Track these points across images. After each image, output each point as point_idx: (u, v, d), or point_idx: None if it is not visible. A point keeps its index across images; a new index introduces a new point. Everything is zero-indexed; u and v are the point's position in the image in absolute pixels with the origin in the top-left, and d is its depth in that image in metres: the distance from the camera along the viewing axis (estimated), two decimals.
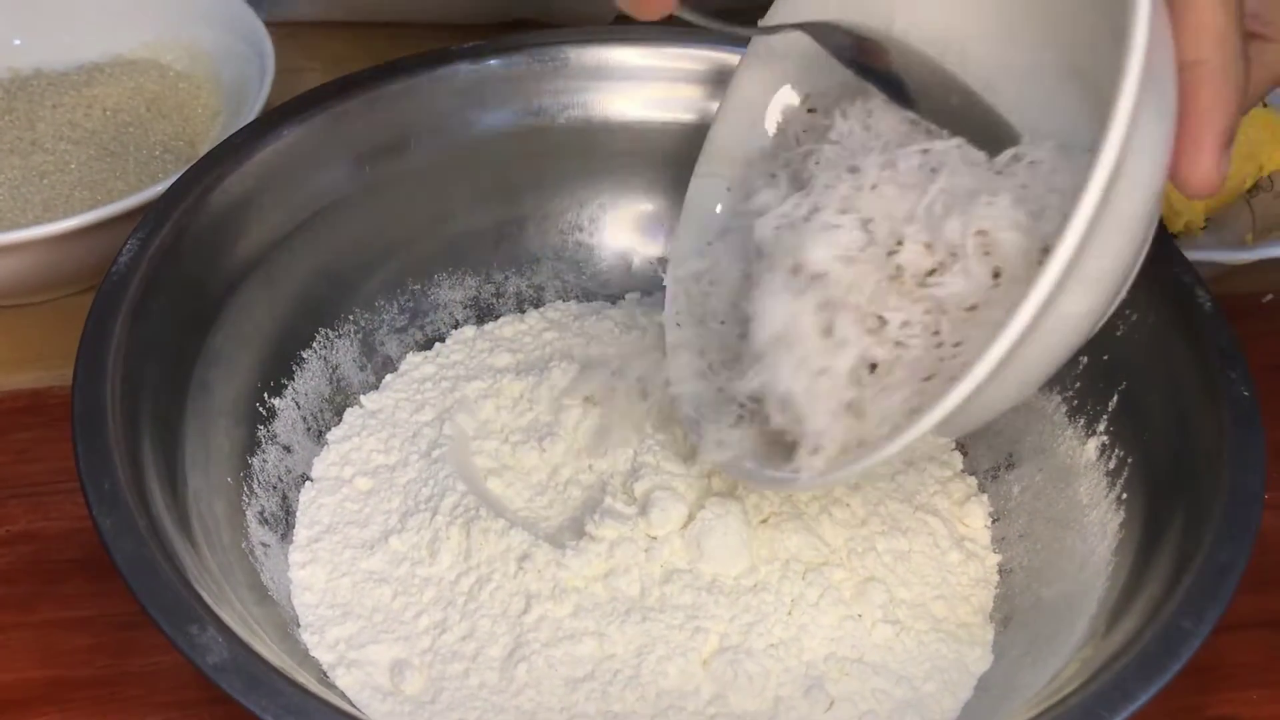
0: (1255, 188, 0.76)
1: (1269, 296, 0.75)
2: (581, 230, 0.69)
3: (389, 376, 0.65)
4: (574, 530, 0.56)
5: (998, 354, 0.39)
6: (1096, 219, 0.38)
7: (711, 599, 0.54)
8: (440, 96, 0.64)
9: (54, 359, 0.68)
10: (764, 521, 0.56)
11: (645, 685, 0.51)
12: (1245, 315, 0.68)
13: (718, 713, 0.51)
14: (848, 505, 0.58)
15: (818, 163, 0.50)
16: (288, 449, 0.60)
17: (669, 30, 0.67)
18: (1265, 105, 0.76)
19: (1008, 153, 0.47)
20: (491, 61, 0.65)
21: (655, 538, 0.55)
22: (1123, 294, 0.46)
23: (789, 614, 0.54)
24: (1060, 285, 0.39)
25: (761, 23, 0.55)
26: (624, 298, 0.69)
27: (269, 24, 0.78)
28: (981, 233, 0.45)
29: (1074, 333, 0.43)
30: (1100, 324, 0.46)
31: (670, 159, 0.67)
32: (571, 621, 0.53)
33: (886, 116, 0.51)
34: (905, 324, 0.46)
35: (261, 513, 0.57)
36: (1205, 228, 0.75)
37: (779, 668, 0.53)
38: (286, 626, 0.53)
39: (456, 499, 0.57)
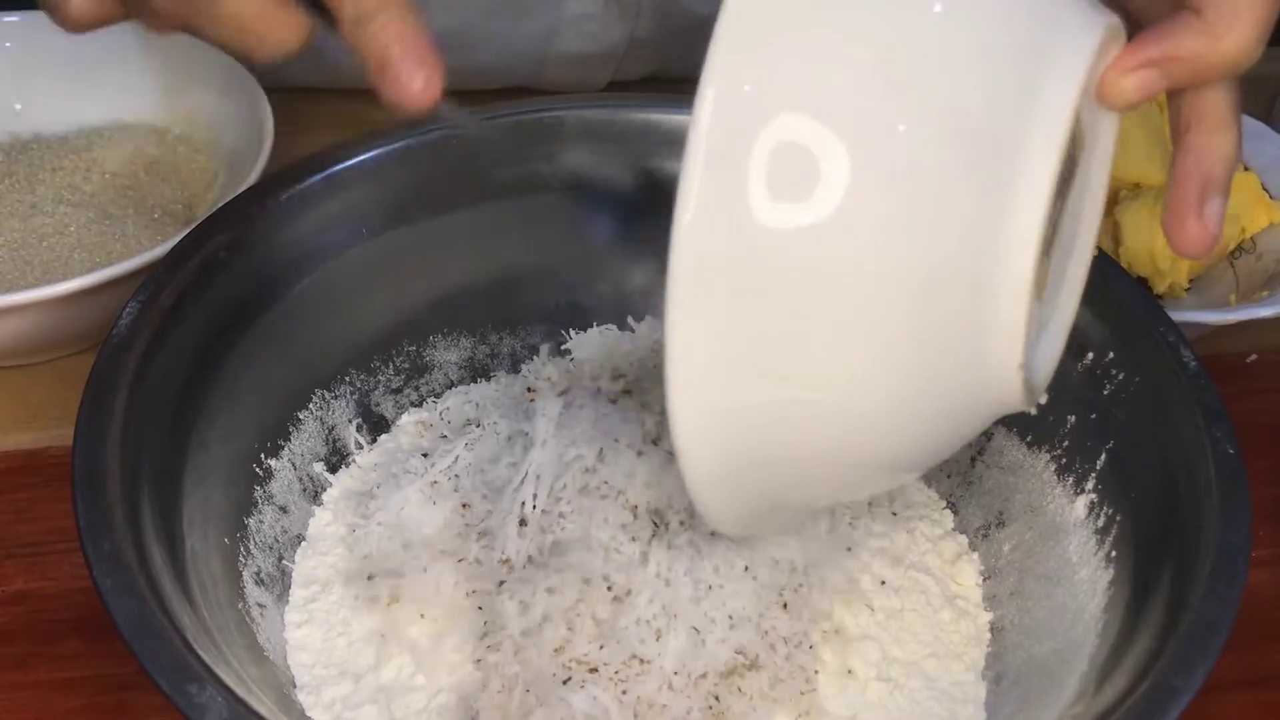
0: (1238, 250, 0.77)
1: (1253, 356, 0.76)
2: (575, 291, 0.70)
3: (384, 436, 0.66)
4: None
5: None
6: None
7: None
8: (435, 161, 0.65)
9: (50, 419, 0.69)
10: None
11: None
12: (1230, 375, 0.69)
13: None
14: (841, 565, 0.58)
15: None
16: (284, 509, 0.60)
17: (662, 96, 0.68)
18: (1246, 169, 0.77)
19: None
20: (484, 127, 0.66)
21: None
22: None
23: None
24: None
25: None
26: None
27: (267, 89, 0.79)
28: None
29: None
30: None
31: (660, 219, 0.68)
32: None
33: None
34: None
35: (258, 573, 0.57)
36: (1189, 289, 0.76)
37: None
38: (283, 687, 0.53)
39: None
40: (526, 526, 0.55)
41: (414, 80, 0.45)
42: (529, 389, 0.63)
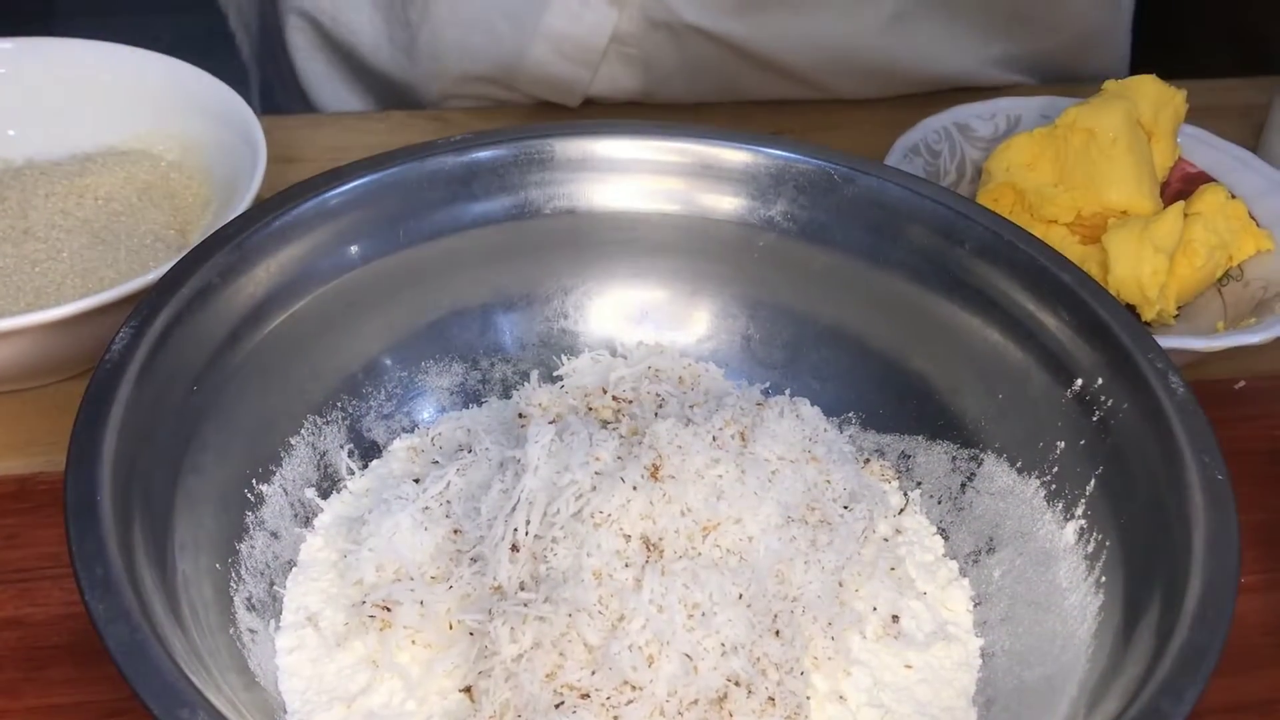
0: (1225, 277, 0.78)
1: (1241, 383, 0.77)
2: (566, 318, 0.70)
3: (375, 462, 0.66)
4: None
5: None
6: None
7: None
8: (428, 188, 0.66)
9: (40, 445, 0.69)
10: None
11: None
12: (1218, 401, 0.69)
13: None
14: (833, 592, 0.58)
15: None
16: (275, 535, 0.60)
17: (653, 124, 0.69)
18: (1233, 197, 0.78)
19: None
20: (478, 154, 0.66)
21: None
22: None
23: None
24: None
25: None
26: None
27: (260, 115, 0.80)
28: None
29: None
30: None
31: (654, 248, 0.69)
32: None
33: None
34: None
35: (249, 599, 0.57)
36: (1178, 316, 0.77)
37: None
38: (274, 713, 0.53)
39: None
40: (518, 552, 0.55)
41: None
42: (520, 415, 0.63)
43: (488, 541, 0.56)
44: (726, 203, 0.68)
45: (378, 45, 1.00)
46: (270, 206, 0.62)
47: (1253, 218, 0.79)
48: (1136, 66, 1.01)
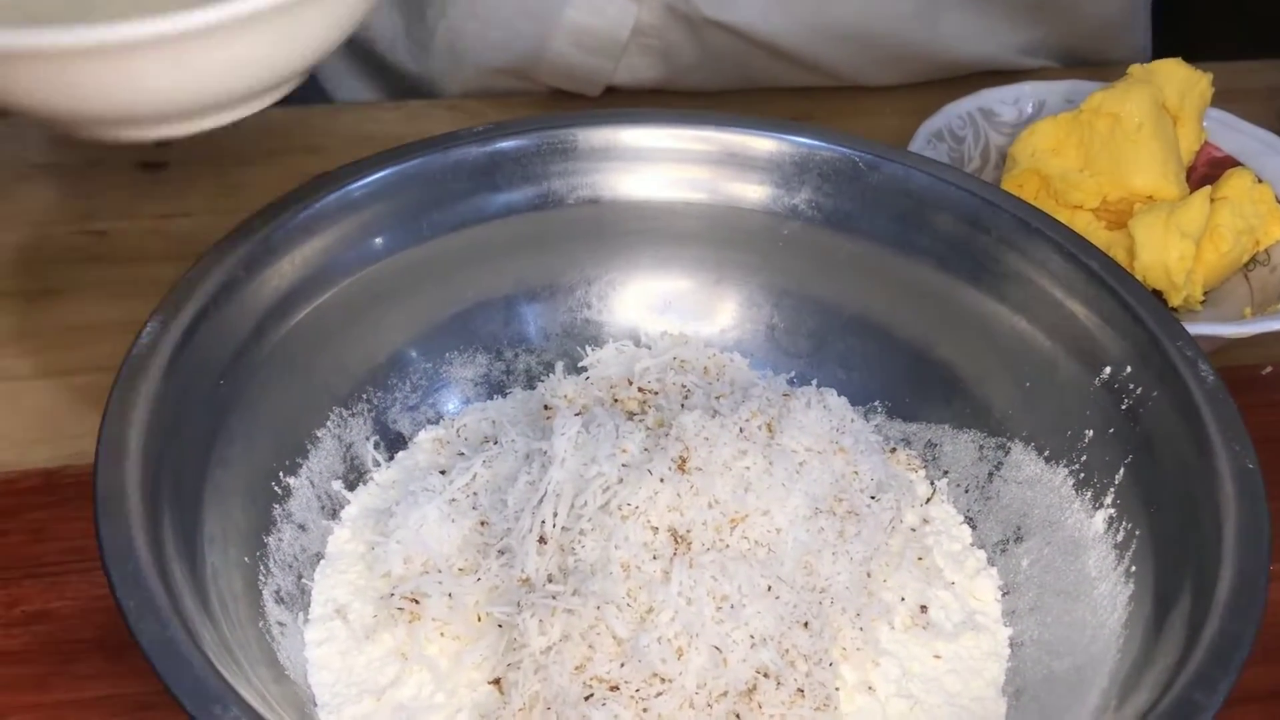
0: (1252, 262, 0.77)
1: (1269, 369, 0.76)
2: (590, 308, 0.70)
3: (401, 454, 0.66)
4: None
5: None
6: None
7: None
8: (451, 179, 0.66)
9: (65, 438, 0.69)
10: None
11: None
12: (1245, 388, 0.69)
13: None
14: (861, 582, 0.58)
15: None
16: (302, 527, 0.60)
17: (675, 112, 0.69)
18: (1259, 181, 0.77)
19: None
20: (501, 144, 0.66)
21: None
22: None
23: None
24: None
25: None
26: None
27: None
28: None
29: None
30: None
31: (678, 238, 0.69)
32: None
33: None
34: None
35: (278, 592, 0.57)
36: (1204, 302, 0.76)
37: None
38: (304, 706, 0.53)
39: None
40: (546, 545, 0.55)
41: None
42: (546, 406, 0.63)
43: (515, 534, 0.56)
44: (751, 191, 0.68)
45: (394, 40, 0.99)
46: (294, 199, 0.62)
47: None
48: (1159, 50, 1.01)
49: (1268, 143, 0.82)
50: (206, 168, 0.87)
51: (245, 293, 0.59)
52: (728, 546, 0.54)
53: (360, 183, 0.64)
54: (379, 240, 0.64)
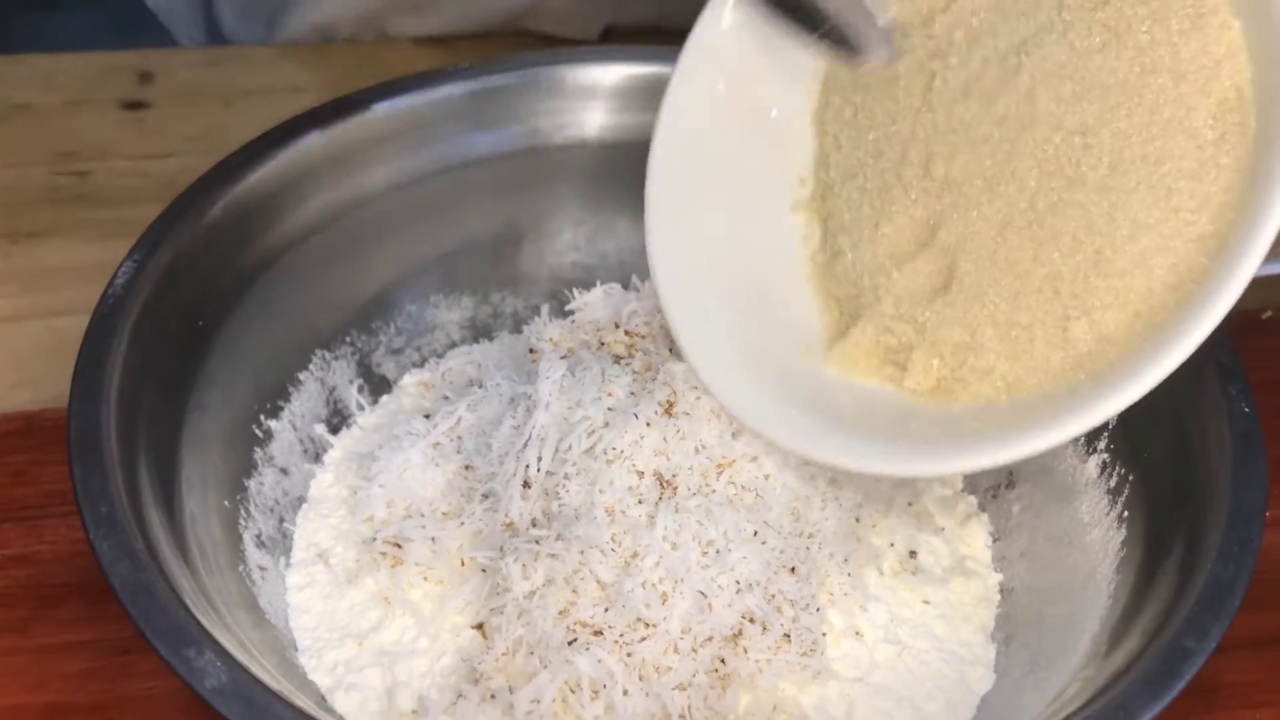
0: None
1: (1269, 313, 0.75)
2: (578, 250, 0.69)
3: (385, 397, 0.65)
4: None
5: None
6: None
7: None
8: (436, 117, 0.64)
9: (47, 381, 0.68)
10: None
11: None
12: (1245, 332, 0.68)
13: None
14: (850, 528, 0.57)
15: None
16: (284, 471, 0.59)
17: (666, 49, 0.67)
18: None
19: None
20: (488, 82, 0.65)
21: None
22: None
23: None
24: None
25: None
26: None
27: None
28: None
29: None
30: None
31: None
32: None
33: None
34: None
35: (259, 536, 0.56)
36: None
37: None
38: (284, 650, 0.53)
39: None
40: (530, 489, 0.54)
41: None
42: (531, 350, 0.62)
43: (499, 478, 0.55)
44: None
45: None
46: (275, 138, 0.61)
47: None
48: None
49: None
50: (189, 108, 0.85)
51: (224, 233, 0.58)
52: (714, 491, 0.54)
53: (343, 122, 0.62)
54: (362, 180, 0.63)
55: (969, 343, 0.49)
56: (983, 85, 0.49)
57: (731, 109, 0.56)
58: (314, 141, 0.61)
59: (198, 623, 0.44)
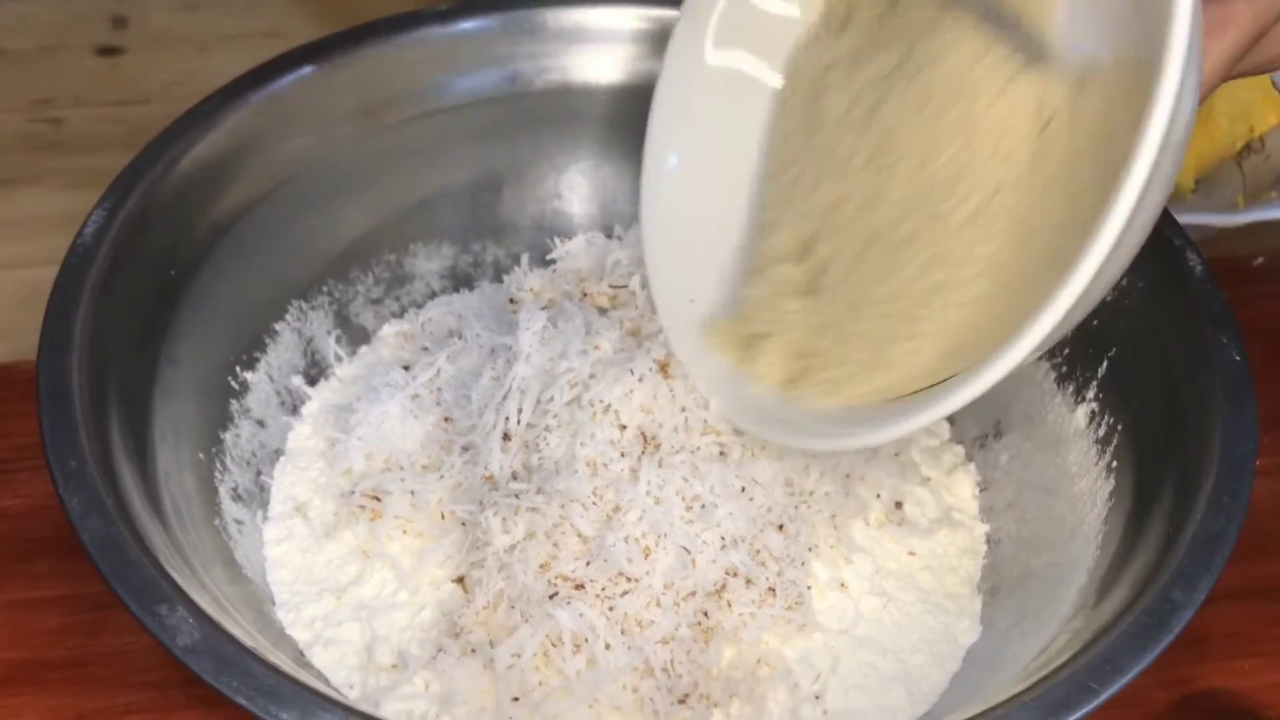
0: (1246, 149, 0.75)
1: (1260, 259, 0.74)
2: (560, 198, 0.67)
3: (363, 348, 0.64)
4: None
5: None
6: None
7: None
8: (413, 62, 0.63)
9: (20, 332, 0.66)
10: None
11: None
12: (1236, 279, 0.67)
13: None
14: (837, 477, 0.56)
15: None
16: (261, 423, 0.58)
17: None
18: None
19: None
20: (465, 25, 0.64)
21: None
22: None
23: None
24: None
25: None
26: None
27: None
28: None
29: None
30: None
31: None
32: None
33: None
34: None
35: (235, 489, 0.55)
36: (1195, 190, 0.74)
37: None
38: (261, 605, 0.52)
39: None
40: (510, 442, 0.53)
41: None
42: (511, 300, 0.61)
43: (479, 430, 0.54)
44: None
45: None
46: (247, 82, 0.59)
47: (1275, 87, 0.75)
48: None
49: None
50: (164, 53, 0.84)
51: (197, 180, 0.57)
52: (699, 449, 0.53)
53: (317, 65, 0.61)
54: (338, 126, 0.62)
55: (811, 344, 0.50)
56: (857, 114, 0.50)
57: (725, 79, 0.56)
58: (289, 87, 0.60)
59: (170, 579, 0.43)
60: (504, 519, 0.51)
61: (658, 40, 0.65)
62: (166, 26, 0.86)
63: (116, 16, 0.86)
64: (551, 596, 0.50)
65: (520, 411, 0.54)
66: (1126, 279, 0.55)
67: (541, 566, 0.51)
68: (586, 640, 0.49)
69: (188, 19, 0.86)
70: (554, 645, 0.49)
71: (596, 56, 0.65)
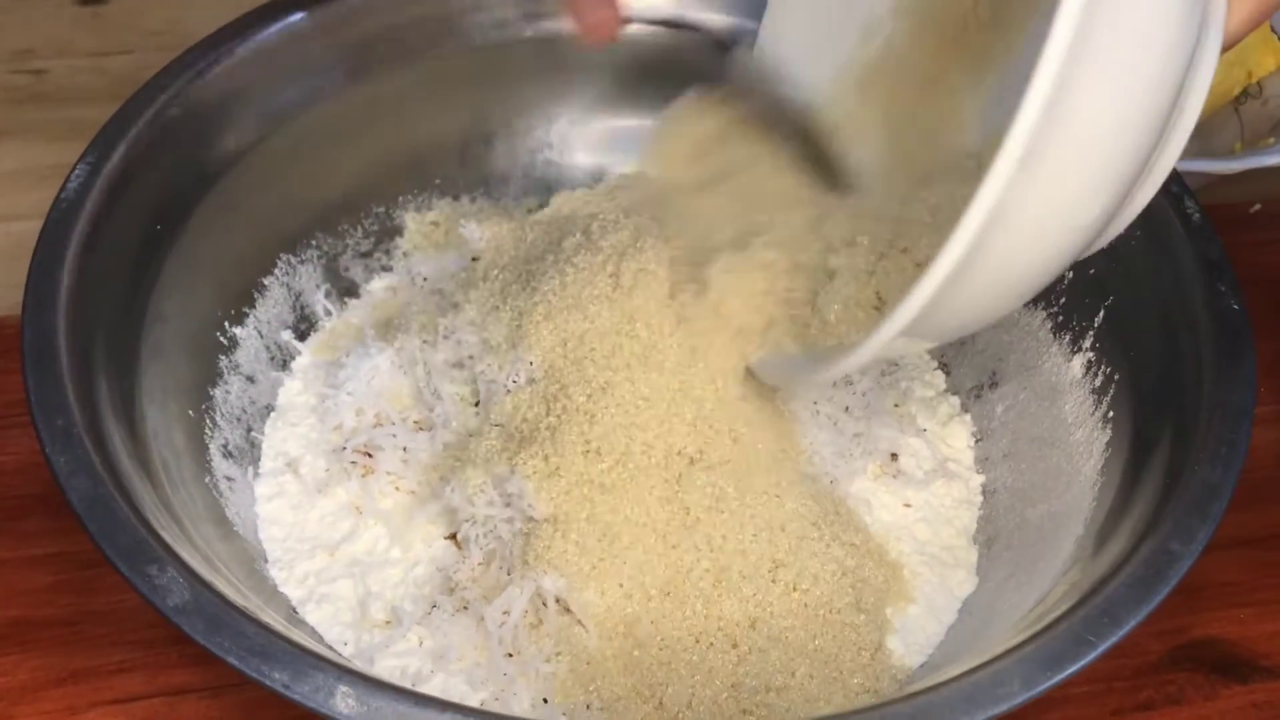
0: (1244, 95, 0.74)
1: (1257, 206, 0.74)
2: (551, 148, 0.67)
3: (353, 301, 0.63)
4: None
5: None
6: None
7: None
8: (402, 9, 0.62)
9: (5, 287, 0.65)
10: None
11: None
12: (1233, 226, 0.66)
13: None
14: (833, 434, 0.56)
15: None
16: (251, 379, 0.58)
17: None
18: None
19: None
20: None
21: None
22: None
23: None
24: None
25: None
26: None
27: None
28: None
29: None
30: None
31: (644, 72, 0.65)
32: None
33: None
34: None
35: (225, 446, 0.55)
36: (1192, 136, 0.73)
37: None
38: (253, 562, 0.51)
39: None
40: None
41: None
42: (474, 259, 0.60)
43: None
44: (717, 20, 0.64)
45: None
46: (232, 32, 0.58)
47: (1274, 31, 0.74)
48: None
49: None
50: (147, 2, 0.82)
51: (182, 132, 0.55)
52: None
53: (303, 14, 0.60)
54: (326, 75, 0.61)
55: None
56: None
57: None
58: (273, 36, 0.59)
59: (159, 538, 0.43)
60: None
61: None
62: None
63: None
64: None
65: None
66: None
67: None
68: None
69: None
70: (544, 605, 0.49)
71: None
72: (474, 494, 0.50)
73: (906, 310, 0.38)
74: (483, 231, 0.61)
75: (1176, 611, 0.56)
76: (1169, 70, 0.38)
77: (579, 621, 0.49)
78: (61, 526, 0.56)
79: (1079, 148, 0.37)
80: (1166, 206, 0.53)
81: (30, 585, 0.55)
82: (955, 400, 0.61)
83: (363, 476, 0.55)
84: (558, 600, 0.49)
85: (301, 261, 0.61)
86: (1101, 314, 0.55)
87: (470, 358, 0.55)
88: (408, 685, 0.43)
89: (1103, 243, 0.45)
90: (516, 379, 0.52)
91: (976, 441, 0.59)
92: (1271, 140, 0.70)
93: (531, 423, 0.51)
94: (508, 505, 0.50)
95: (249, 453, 0.56)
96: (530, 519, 0.50)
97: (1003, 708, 0.40)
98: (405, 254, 0.64)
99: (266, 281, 0.60)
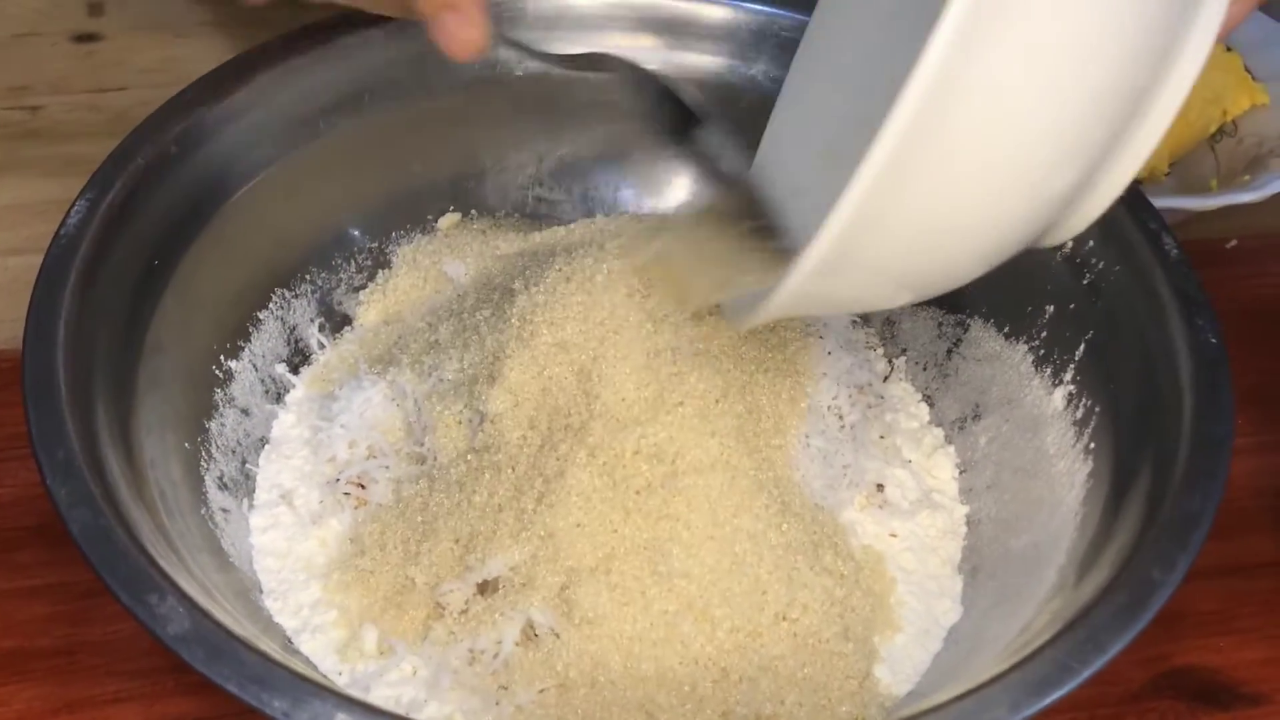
0: (1219, 133, 0.76)
1: (1233, 241, 0.75)
2: (542, 185, 0.68)
3: (347, 333, 0.64)
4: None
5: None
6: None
7: None
8: (394, 48, 0.63)
9: (6, 321, 0.66)
10: None
11: None
12: (1210, 261, 0.68)
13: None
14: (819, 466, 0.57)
15: None
16: (246, 412, 0.59)
17: None
18: (1228, 49, 0.76)
19: None
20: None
21: None
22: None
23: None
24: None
25: None
26: None
27: None
28: None
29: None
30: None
31: (632, 111, 0.66)
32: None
33: None
34: None
35: (221, 478, 0.56)
36: (1169, 173, 0.75)
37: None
38: (249, 593, 0.52)
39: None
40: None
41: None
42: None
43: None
44: (707, 61, 0.65)
45: None
46: (229, 72, 0.59)
47: (1248, 71, 0.76)
48: None
49: None
50: (142, 40, 0.83)
51: (179, 169, 0.56)
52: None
53: (300, 54, 0.61)
54: (319, 114, 0.62)
55: None
56: None
57: None
58: (270, 75, 0.60)
59: (159, 568, 0.43)
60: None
61: (635, 27, 0.65)
62: (144, 13, 0.85)
63: (93, 3, 0.86)
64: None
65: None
66: (1104, 262, 0.55)
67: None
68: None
69: (165, 5, 0.86)
70: (535, 635, 0.50)
71: (576, 43, 0.65)
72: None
73: (845, 206, 0.37)
74: (467, 266, 0.62)
75: (1158, 640, 0.56)
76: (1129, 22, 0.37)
77: (570, 650, 0.49)
78: (57, 558, 0.57)
79: (1023, 68, 0.35)
80: (1145, 243, 0.54)
81: (26, 616, 0.56)
82: (939, 432, 0.62)
83: (356, 508, 0.55)
84: (550, 630, 0.49)
85: (295, 295, 0.62)
86: (1082, 347, 0.56)
87: (454, 391, 0.55)
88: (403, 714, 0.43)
89: (1064, 235, 0.45)
90: (497, 410, 0.53)
91: (960, 473, 0.60)
92: (1246, 178, 0.72)
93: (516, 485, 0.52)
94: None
95: (244, 484, 0.57)
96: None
97: None
98: (396, 288, 0.65)
99: (261, 315, 0.61)
